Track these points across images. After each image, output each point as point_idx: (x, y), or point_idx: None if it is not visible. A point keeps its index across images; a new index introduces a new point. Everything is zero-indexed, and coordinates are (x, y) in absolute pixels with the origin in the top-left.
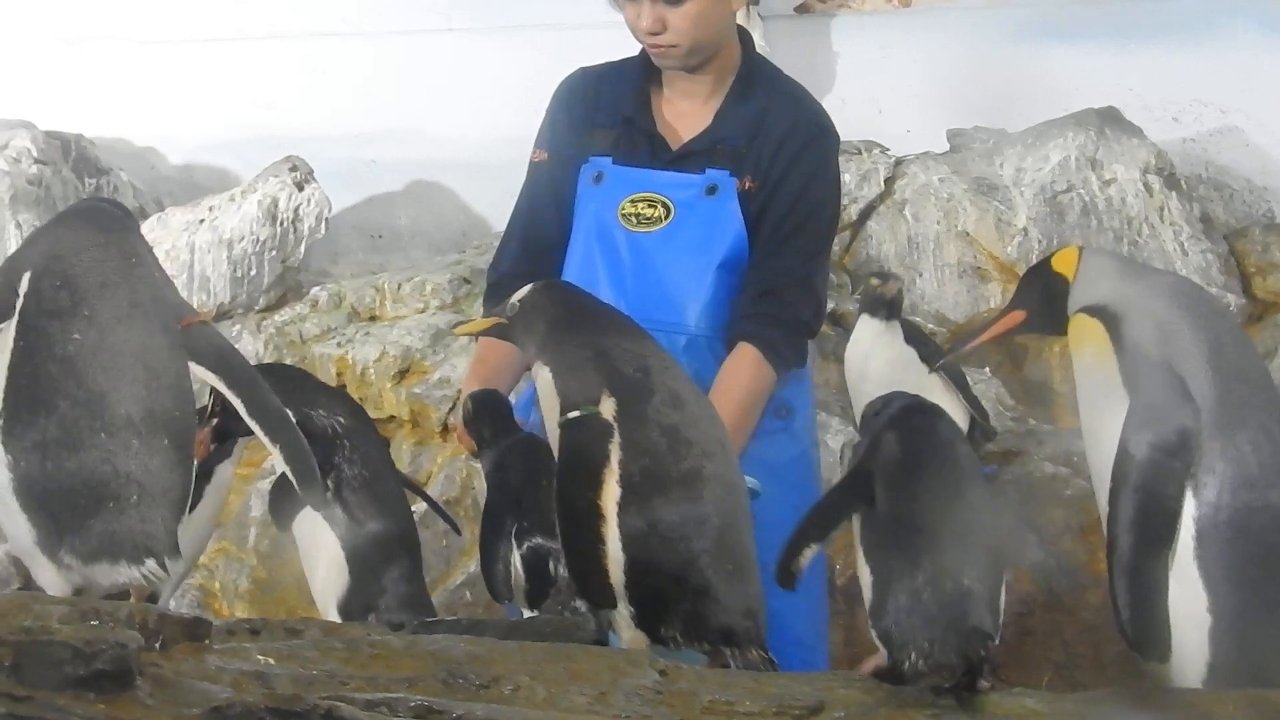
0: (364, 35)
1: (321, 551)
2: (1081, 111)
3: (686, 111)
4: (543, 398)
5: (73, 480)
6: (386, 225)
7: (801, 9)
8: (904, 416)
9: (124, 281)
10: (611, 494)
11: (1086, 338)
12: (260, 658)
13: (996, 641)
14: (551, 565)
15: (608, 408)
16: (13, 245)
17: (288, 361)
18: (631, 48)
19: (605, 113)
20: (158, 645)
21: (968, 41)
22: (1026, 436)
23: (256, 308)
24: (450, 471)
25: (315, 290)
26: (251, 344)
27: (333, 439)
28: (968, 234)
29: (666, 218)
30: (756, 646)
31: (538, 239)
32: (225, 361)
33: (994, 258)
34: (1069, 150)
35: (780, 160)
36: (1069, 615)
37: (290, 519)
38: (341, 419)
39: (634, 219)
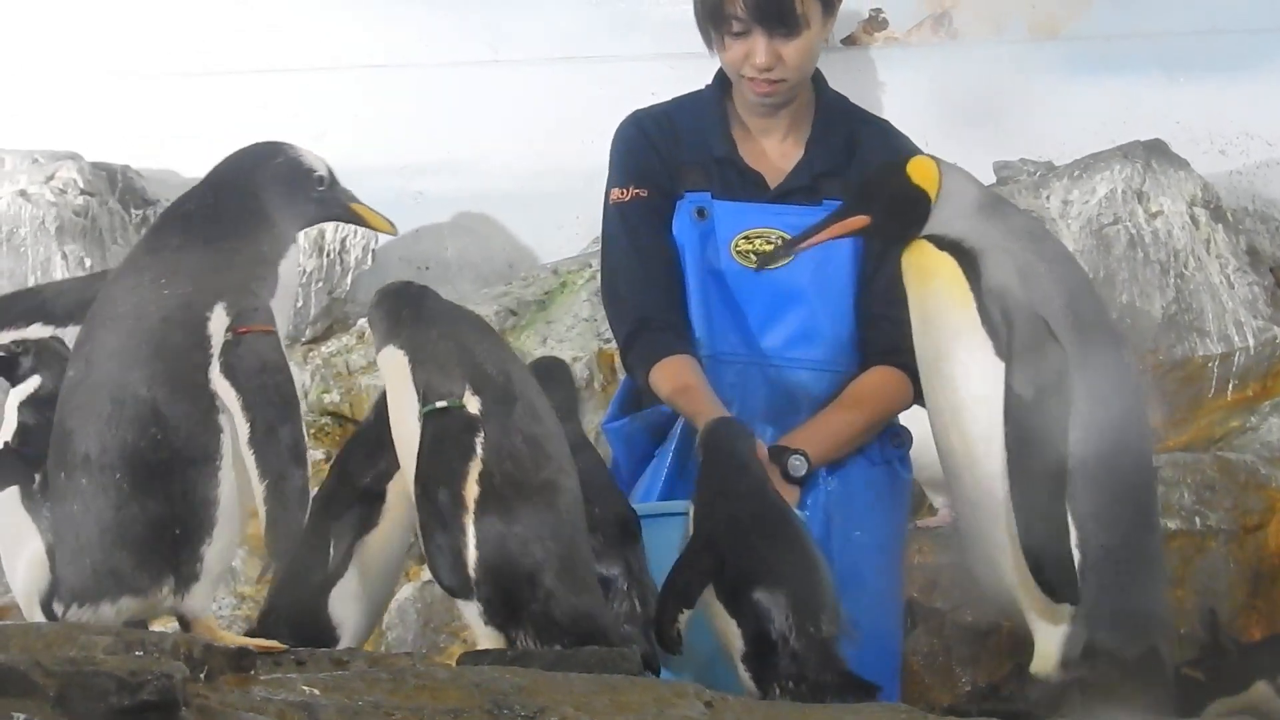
0: (411, 67)
1: (23, 547)
2: (1128, 144)
3: (769, 147)
4: (394, 383)
5: (52, 527)
6: (433, 257)
7: (848, 41)
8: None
9: (131, 312)
10: (471, 491)
11: (934, 271)
12: (306, 688)
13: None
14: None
15: (472, 404)
16: (58, 275)
17: (335, 395)
18: (677, 80)
19: (688, 149)
20: (203, 676)
21: (1014, 74)
22: None
23: (303, 339)
24: None
25: (362, 322)
26: (298, 375)
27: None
28: None
29: (788, 254)
30: None
31: (665, 275)
32: (257, 379)
33: None
34: (1115, 183)
35: None
36: None
37: None
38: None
39: (751, 256)
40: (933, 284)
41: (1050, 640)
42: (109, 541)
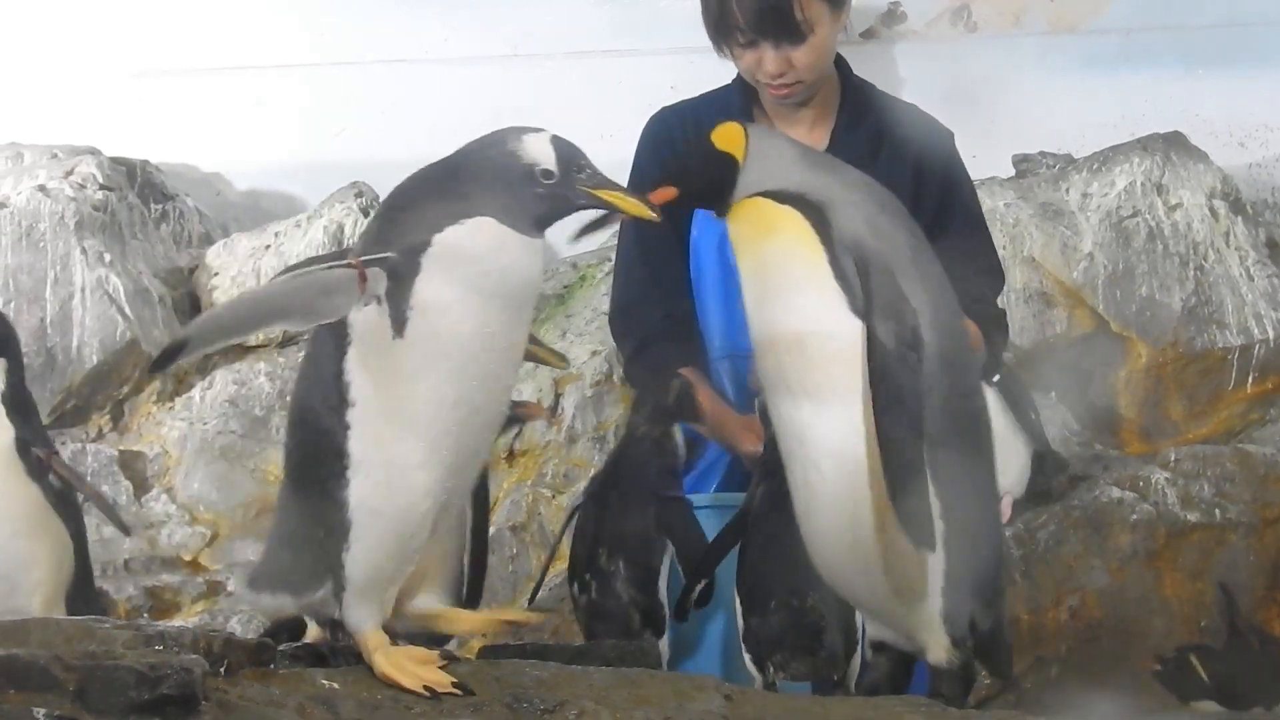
0: (431, 62)
1: (39, 543)
2: (1147, 136)
3: (796, 139)
4: None
5: None
6: None
7: (867, 35)
8: (775, 468)
9: None
10: None
11: (776, 225)
12: (325, 682)
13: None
14: (576, 590)
15: None
16: (78, 271)
17: None
18: (696, 75)
19: None
20: (223, 670)
21: (1034, 67)
22: (1093, 462)
23: None
24: (516, 498)
25: None
26: None
27: None
28: (1034, 259)
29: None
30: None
31: (665, 280)
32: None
33: (1060, 283)
34: (1135, 175)
35: (930, 176)
36: (1136, 640)
37: None
38: None
39: None
40: (775, 238)
41: (924, 624)
42: (276, 538)
